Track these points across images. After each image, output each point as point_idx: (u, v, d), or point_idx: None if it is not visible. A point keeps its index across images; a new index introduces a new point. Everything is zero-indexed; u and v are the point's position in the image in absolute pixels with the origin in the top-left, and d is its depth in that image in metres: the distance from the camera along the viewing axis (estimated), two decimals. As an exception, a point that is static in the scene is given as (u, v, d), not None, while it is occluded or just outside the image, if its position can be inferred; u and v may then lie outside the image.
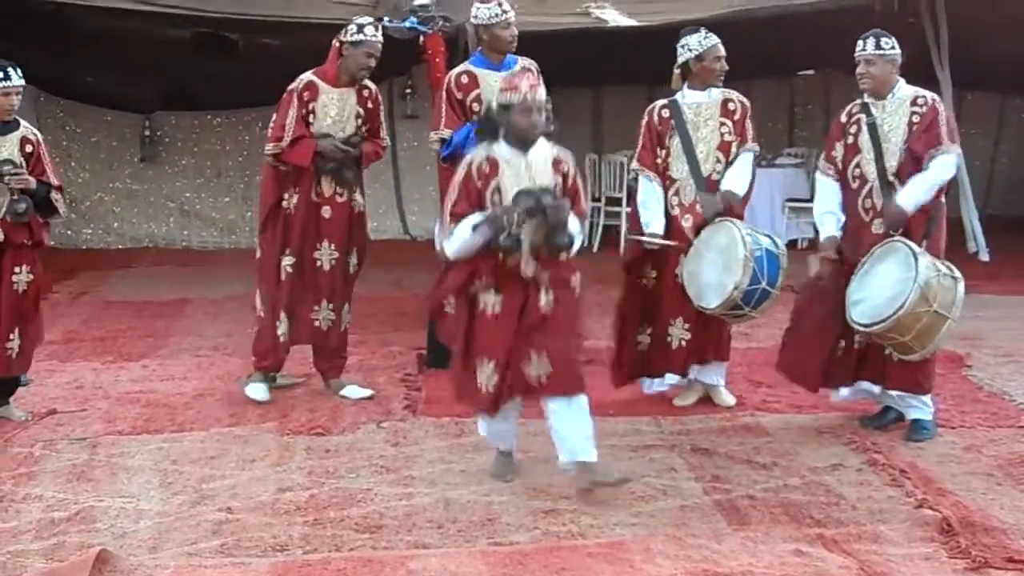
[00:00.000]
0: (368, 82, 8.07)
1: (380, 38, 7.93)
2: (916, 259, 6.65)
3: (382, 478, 6.45)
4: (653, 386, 7.91)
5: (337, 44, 7.95)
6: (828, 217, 7.33)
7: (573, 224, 6.13)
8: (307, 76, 7.94)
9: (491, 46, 8.07)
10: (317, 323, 8.04)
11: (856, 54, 7.16)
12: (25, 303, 7.60)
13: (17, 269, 7.49)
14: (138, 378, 8.79)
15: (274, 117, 7.96)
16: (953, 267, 6.86)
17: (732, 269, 7.15)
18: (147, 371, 9.02)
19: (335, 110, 7.92)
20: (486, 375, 6.13)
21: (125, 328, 10.75)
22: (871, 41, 7.09)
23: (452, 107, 8.07)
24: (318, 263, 7.99)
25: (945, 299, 6.70)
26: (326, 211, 7.96)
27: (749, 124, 7.77)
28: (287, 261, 7.92)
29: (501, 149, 6.15)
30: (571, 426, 6.12)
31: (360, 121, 8.03)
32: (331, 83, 7.93)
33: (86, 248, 15.83)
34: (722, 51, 7.64)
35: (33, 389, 8.32)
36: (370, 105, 8.07)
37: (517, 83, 6.16)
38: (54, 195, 7.68)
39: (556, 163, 6.20)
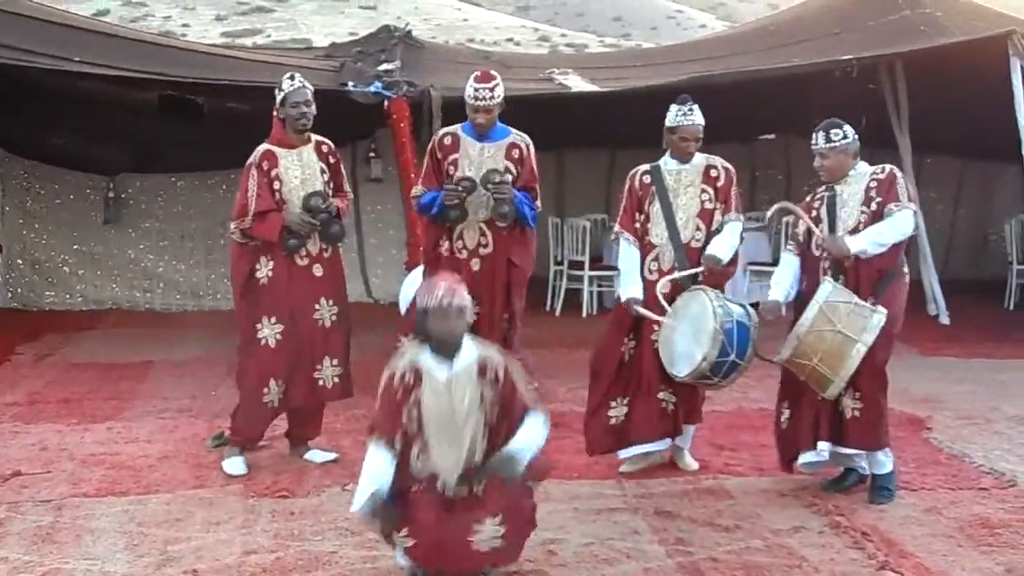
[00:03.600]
0: (323, 138, 8.13)
1: (299, 83, 7.92)
2: (822, 285, 6.87)
3: (347, 541, 6.45)
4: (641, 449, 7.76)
5: (275, 112, 8.00)
6: (776, 285, 7.39)
7: (526, 445, 5.57)
8: (262, 147, 7.95)
9: (472, 122, 8.20)
10: (322, 381, 8.04)
11: (811, 146, 7.23)
12: None
13: None
14: (103, 440, 8.76)
15: (237, 195, 7.96)
16: (882, 310, 6.85)
17: (701, 340, 7.09)
18: (112, 433, 9.00)
19: (298, 170, 7.93)
20: None
21: (89, 390, 10.74)
22: (821, 135, 7.16)
23: (432, 165, 8.29)
24: (320, 322, 7.98)
25: (854, 324, 6.78)
26: (318, 269, 7.98)
27: (734, 192, 7.72)
28: (272, 330, 7.85)
29: (426, 358, 5.62)
30: None
31: (326, 176, 8.05)
32: (286, 146, 7.96)
33: (49, 309, 15.85)
34: (693, 132, 7.59)
35: (-3, 451, 8.31)
36: (331, 160, 8.14)
37: (435, 286, 5.59)
38: None
39: (482, 370, 5.60)
